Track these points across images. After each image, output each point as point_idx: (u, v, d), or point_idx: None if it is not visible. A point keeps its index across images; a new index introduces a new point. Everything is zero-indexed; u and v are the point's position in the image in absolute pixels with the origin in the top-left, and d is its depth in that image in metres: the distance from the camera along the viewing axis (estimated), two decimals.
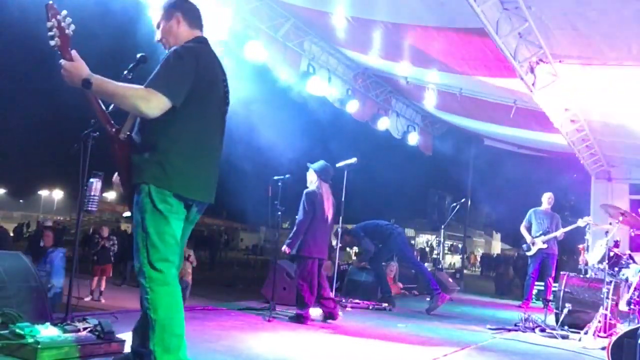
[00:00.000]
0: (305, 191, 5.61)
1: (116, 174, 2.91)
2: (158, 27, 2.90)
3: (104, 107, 2.76)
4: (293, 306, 6.12)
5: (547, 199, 8.87)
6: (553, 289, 7.98)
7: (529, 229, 8.78)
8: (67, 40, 2.53)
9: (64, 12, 2.53)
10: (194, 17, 2.92)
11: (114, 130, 2.76)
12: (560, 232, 8.53)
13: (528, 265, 8.87)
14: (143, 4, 5.59)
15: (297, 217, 5.63)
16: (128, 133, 2.78)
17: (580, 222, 7.73)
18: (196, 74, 2.68)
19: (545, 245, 8.54)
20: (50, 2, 2.51)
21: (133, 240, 2.68)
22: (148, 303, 2.56)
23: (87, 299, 10.48)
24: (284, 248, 5.50)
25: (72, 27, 2.54)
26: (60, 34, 2.51)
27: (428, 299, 7.37)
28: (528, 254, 8.75)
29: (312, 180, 5.74)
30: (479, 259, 37.62)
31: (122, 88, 2.59)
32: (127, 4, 5.99)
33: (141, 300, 2.61)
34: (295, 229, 5.52)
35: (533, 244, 8.61)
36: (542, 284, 8.90)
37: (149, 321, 2.55)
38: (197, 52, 2.74)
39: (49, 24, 2.49)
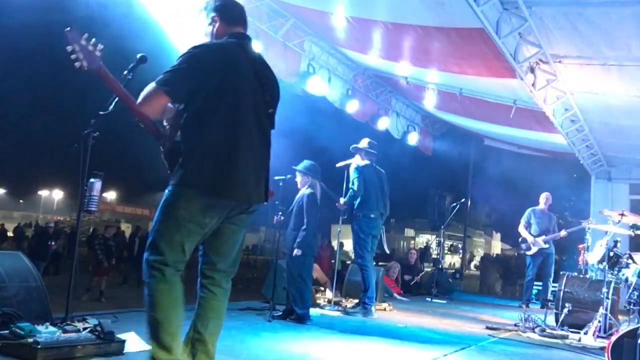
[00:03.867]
0: (307, 193, 5.58)
1: None
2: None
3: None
4: None
5: (544, 198, 8.84)
6: (552, 288, 7.97)
7: (527, 229, 8.75)
8: (95, 61, 2.59)
9: (85, 35, 2.59)
10: (231, 14, 2.88)
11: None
12: (564, 233, 8.47)
13: (527, 265, 8.83)
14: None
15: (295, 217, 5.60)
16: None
17: (585, 224, 7.57)
18: (208, 71, 2.62)
19: (547, 245, 8.50)
20: (68, 28, 2.56)
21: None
22: (146, 299, 2.56)
23: (84, 298, 10.50)
24: (295, 252, 5.44)
25: (100, 46, 2.61)
26: (85, 57, 2.56)
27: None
28: (528, 253, 8.72)
29: (303, 182, 5.71)
30: (477, 259, 37.62)
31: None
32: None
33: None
34: (306, 231, 5.45)
35: (534, 243, 8.59)
36: (540, 284, 8.88)
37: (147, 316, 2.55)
38: (212, 49, 2.72)
39: (69, 48, 2.55)
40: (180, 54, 2.73)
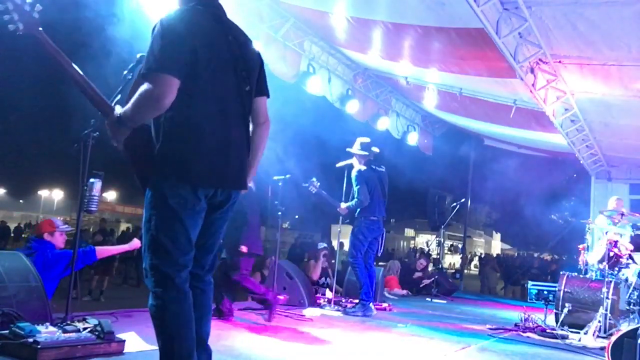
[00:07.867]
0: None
1: None
2: None
3: (100, 94, 2.49)
4: (294, 306, 6.15)
5: (619, 204, 7.54)
6: (552, 289, 7.93)
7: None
8: (33, 24, 2.31)
9: None
10: None
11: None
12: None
13: None
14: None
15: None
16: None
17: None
18: (186, 42, 2.33)
19: None
20: None
21: (142, 239, 2.45)
22: (154, 311, 2.35)
23: (86, 298, 10.49)
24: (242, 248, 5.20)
25: (39, 7, 2.35)
26: (21, 17, 2.29)
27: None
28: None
29: None
30: (476, 259, 37.65)
31: (132, 103, 2.30)
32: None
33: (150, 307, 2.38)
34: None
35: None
36: (540, 283, 8.81)
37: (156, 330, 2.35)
38: (183, 17, 2.39)
39: (0, 7, 2.28)
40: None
